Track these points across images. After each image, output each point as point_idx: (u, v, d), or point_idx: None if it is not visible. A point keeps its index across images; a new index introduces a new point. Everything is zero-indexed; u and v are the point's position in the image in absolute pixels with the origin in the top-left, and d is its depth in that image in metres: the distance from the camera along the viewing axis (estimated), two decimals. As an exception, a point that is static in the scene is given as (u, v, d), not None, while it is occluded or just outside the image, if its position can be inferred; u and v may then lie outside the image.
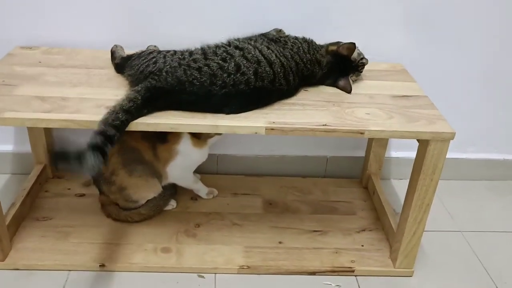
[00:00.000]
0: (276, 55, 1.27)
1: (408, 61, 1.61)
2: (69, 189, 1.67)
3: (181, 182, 1.59)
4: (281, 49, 1.31)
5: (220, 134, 1.42)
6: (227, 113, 1.21)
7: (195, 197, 1.66)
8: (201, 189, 1.65)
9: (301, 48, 1.34)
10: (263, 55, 1.25)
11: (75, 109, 1.18)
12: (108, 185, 1.47)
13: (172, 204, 1.60)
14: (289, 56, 1.30)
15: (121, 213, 1.51)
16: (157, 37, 1.51)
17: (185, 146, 1.45)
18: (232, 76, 1.19)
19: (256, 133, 1.19)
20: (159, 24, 1.55)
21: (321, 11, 1.56)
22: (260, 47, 1.28)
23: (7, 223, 1.38)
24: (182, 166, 1.49)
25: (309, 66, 1.34)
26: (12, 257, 1.37)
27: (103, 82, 1.33)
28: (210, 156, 1.77)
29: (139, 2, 1.51)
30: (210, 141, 1.49)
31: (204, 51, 1.24)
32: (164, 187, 1.53)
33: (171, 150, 1.45)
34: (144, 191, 1.50)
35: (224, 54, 1.23)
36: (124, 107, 1.13)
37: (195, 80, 1.17)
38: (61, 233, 1.47)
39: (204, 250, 1.45)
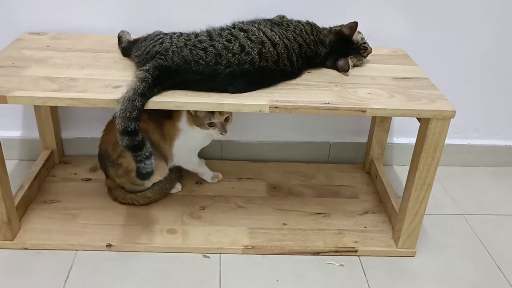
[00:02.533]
0: (279, 37, 1.29)
1: (410, 46, 1.63)
2: (75, 174, 1.70)
3: (186, 165, 1.61)
4: (284, 32, 1.33)
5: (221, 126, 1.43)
6: (232, 93, 1.23)
7: (200, 181, 1.69)
8: (206, 173, 1.68)
9: (303, 30, 1.37)
10: (267, 36, 1.27)
11: (82, 89, 1.21)
12: (115, 168, 1.50)
13: (178, 187, 1.62)
14: (292, 38, 1.32)
15: (127, 196, 1.54)
16: (164, 23, 1.53)
17: (184, 124, 1.47)
18: (237, 55, 1.21)
19: (260, 111, 1.21)
20: (166, 10, 1.57)
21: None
22: (264, 29, 1.30)
23: (16, 204, 1.41)
24: (185, 145, 1.52)
25: (312, 47, 1.36)
26: (21, 237, 1.40)
27: (110, 64, 1.36)
28: (215, 142, 1.80)
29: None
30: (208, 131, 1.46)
31: (209, 33, 1.27)
32: (170, 170, 1.55)
33: (175, 127, 1.48)
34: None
35: (229, 36, 1.25)
36: (138, 90, 1.15)
37: (201, 60, 1.20)
38: (69, 215, 1.49)
39: (209, 231, 1.47)
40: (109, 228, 1.45)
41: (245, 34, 1.26)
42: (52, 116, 1.67)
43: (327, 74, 1.40)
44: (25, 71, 1.28)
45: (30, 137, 1.75)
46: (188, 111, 1.44)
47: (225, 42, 1.23)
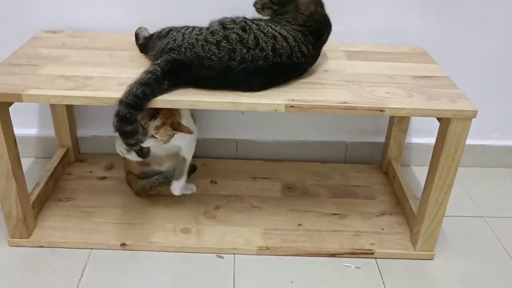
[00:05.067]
0: (285, 30, 1.26)
1: (429, 44, 1.60)
2: (91, 172, 1.70)
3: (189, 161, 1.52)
4: (281, 26, 1.29)
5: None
6: (245, 90, 1.22)
7: (214, 180, 1.67)
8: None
9: (294, 19, 1.31)
10: (275, 31, 1.25)
11: (97, 87, 1.21)
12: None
13: (192, 188, 1.61)
14: (291, 30, 1.28)
15: (135, 183, 1.56)
16: (180, 21, 1.52)
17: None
18: (252, 51, 1.19)
19: (276, 110, 1.19)
20: (182, 8, 1.56)
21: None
22: (269, 24, 1.27)
23: (31, 202, 1.41)
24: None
25: (312, 28, 1.30)
26: (36, 235, 1.40)
27: (125, 63, 1.35)
28: (230, 141, 1.79)
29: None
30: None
31: (222, 21, 1.24)
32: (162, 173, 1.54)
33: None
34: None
35: (243, 23, 1.23)
36: (141, 80, 1.15)
37: (213, 56, 1.18)
38: (84, 213, 1.49)
39: (224, 231, 1.46)
40: (124, 227, 1.45)
41: (257, 27, 1.23)
42: (68, 114, 1.67)
43: (343, 72, 1.37)
44: (41, 69, 1.28)
45: (46, 135, 1.76)
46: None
47: (239, 32, 1.20)
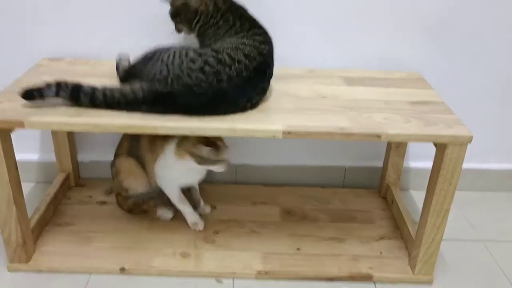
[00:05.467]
0: (227, 36, 1.30)
1: (425, 70, 1.63)
2: (90, 196, 1.71)
3: (167, 192, 1.53)
4: (218, 37, 1.33)
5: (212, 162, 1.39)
6: (250, 102, 1.26)
7: (214, 205, 1.68)
8: (188, 214, 1.56)
9: (231, 29, 1.34)
10: (228, 43, 1.27)
11: (98, 114, 1.22)
12: (112, 168, 1.55)
13: (165, 214, 1.59)
14: (229, 33, 1.32)
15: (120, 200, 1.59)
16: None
17: (170, 149, 1.43)
18: (233, 66, 1.21)
19: (274, 136, 1.21)
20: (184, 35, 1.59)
21: (337, 22, 1.59)
22: (214, 42, 1.31)
23: (31, 226, 1.42)
24: (165, 170, 1.48)
25: (247, 25, 1.33)
26: (35, 260, 1.41)
27: (126, 89, 1.37)
28: (229, 166, 1.80)
29: (162, 19, 1.54)
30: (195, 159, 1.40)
31: (194, 50, 1.26)
32: (152, 194, 1.55)
33: (162, 146, 1.45)
34: (133, 181, 1.51)
35: (213, 51, 1.24)
36: (122, 91, 1.21)
37: (203, 82, 1.20)
38: (83, 238, 1.50)
39: (223, 256, 1.46)
40: (123, 251, 1.45)
41: (220, 45, 1.27)
42: (69, 139, 1.69)
43: (341, 98, 1.39)
44: (43, 96, 1.30)
45: (47, 160, 1.78)
46: (183, 141, 1.40)
47: (214, 54, 1.23)
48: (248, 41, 1.28)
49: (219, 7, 1.36)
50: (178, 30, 1.44)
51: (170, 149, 1.44)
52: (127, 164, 1.50)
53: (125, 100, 1.22)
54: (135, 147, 1.49)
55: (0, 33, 1.58)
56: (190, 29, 1.41)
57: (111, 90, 1.23)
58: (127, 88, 1.22)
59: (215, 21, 1.35)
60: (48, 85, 1.22)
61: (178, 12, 1.39)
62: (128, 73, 1.36)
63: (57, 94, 1.23)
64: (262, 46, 1.28)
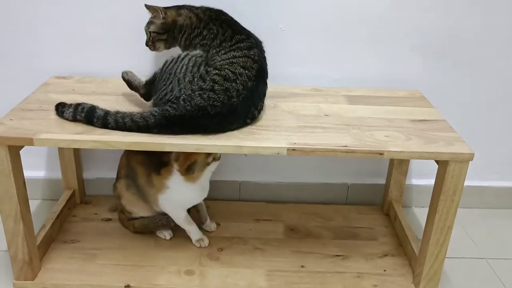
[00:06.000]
0: (225, 58, 1.31)
1: (426, 88, 1.65)
2: (96, 214, 1.72)
3: (172, 216, 1.54)
4: (224, 52, 1.33)
5: (217, 159, 1.43)
6: (253, 113, 1.30)
7: (218, 222, 1.69)
8: (192, 232, 1.57)
9: (216, 39, 1.36)
10: (224, 55, 1.30)
11: (105, 131, 1.25)
12: (114, 190, 1.57)
13: (165, 234, 1.59)
14: (238, 51, 1.32)
15: (125, 222, 1.62)
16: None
17: (175, 182, 1.44)
18: (238, 80, 1.25)
19: (278, 153, 1.23)
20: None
21: (338, 40, 1.63)
22: (205, 57, 1.33)
23: (37, 244, 1.43)
24: (172, 200, 1.48)
25: (229, 32, 1.35)
26: (41, 277, 1.41)
27: (131, 107, 1.39)
28: (233, 183, 1.82)
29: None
30: (207, 172, 1.45)
31: (199, 71, 1.28)
32: (159, 214, 1.55)
33: (162, 183, 1.46)
34: (135, 207, 1.55)
35: (215, 70, 1.27)
36: (133, 117, 1.24)
37: (216, 102, 1.22)
38: (88, 255, 1.51)
39: (227, 273, 1.47)
40: (128, 269, 1.46)
41: (218, 60, 1.30)
42: (75, 156, 1.71)
43: (344, 116, 1.42)
44: (51, 114, 1.33)
45: (53, 177, 1.80)
46: (182, 167, 1.41)
47: (217, 71, 1.26)
48: (237, 53, 1.30)
49: (201, 18, 1.40)
50: (157, 48, 1.47)
51: (175, 181, 1.44)
52: (128, 195, 1.52)
53: (137, 127, 1.24)
54: (132, 177, 1.50)
55: (10, 51, 1.62)
56: (172, 45, 1.46)
57: (123, 117, 1.24)
58: (138, 115, 1.24)
59: (199, 31, 1.39)
60: (69, 106, 1.30)
61: (167, 30, 1.43)
62: (149, 89, 1.38)
63: (74, 119, 1.28)
64: (252, 52, 1.31)
